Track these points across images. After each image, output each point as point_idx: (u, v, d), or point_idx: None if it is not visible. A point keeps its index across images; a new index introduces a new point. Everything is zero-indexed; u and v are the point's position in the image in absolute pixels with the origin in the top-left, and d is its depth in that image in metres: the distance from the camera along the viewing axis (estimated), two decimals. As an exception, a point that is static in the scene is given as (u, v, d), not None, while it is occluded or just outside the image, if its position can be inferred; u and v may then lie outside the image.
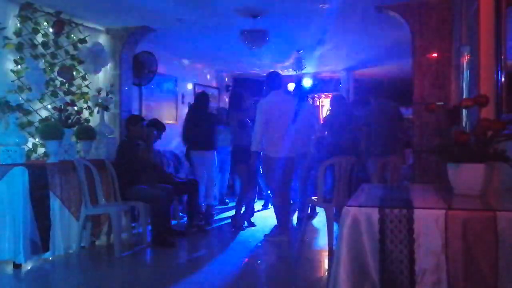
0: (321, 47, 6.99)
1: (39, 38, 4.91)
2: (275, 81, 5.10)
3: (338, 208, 4.41)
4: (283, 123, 4.84)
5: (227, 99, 8.38)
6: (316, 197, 4.64)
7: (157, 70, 7.04)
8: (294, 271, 3.96)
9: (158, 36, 6.18)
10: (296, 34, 6.26)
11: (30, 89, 4.65)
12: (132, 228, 5.15)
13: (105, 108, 5.41)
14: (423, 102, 4.63)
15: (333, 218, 4.34)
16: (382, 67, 9.02)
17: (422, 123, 4.76)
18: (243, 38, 5.51)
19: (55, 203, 4.18)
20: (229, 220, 5.74)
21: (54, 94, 5.02)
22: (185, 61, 8.29)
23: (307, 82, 9.34)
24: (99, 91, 5.39)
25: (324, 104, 10.51)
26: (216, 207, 6.84)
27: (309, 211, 5.81)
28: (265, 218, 6.06)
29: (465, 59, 3.74)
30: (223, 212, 6.70)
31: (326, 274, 3.78)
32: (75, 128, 4.92)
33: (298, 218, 6.03)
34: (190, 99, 8.32)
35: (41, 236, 4.00)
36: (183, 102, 8.19)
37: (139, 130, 5.12)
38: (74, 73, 5.31)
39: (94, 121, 5.46)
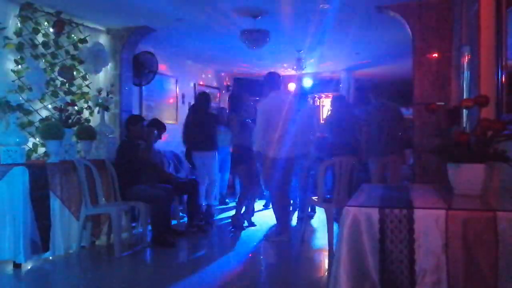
0: (321, 47, 6.99)
1: (40, 38, 4.91)
2: (275, 81, 5.10)
3: (338, 208, 4.41)
4: (283, 124, 4.84)
5: (227, 100, 8.39)
6: (316, 197, 4.64)
7: (158, 70, 7.04)
8: (294, 271, 3.96)
9: (158, 36, 6.18)
10: (296, 34, 6.26)
11: (30, 89, 4.66)
12: (132, 228, 5.15)
13: (105, 108, 5.41)
14: (423, 102, 4.64)
15: (333, 218, 4.34)
16: (382, 67, 9.02)
17: (422, 123, 4.76)
18: (244, 38, 5.51)
19: (55, 203, 4.18)
20: (229, 220, 5.74)
21: (54, 94, 5.03)
22: (186, 61, 8.29)
23: (307, 82, 9.34)
24: (99, 91, 5.40)
25: (325, 104, 10.52)
26: (216, 207, 6.85)
27: (309, 211, 5.81)
28: (265, 218, 6.06)
29: (466, 59, 3.74)
30: (223, 212, 6.70)
31: (326, 274, 3.78)
32: (75, 128, 4.93)
33: (298, 218, 6.03)
34: (190, 99, 8.33)
35: (41, 236, 4.00)
36: (183, 102, 8.19)
37: (139, 130, 5.12)
38: (75, 73, 5.31)
39: (94, 121, 5.47)
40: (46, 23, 4.99)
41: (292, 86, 8.05)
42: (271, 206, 6.25)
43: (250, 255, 4.54)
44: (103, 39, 5.83)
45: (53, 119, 4.85)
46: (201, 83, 8.93)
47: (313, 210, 6.19)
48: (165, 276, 3.72)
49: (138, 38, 6.03)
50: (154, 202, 4.71)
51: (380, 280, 1.69)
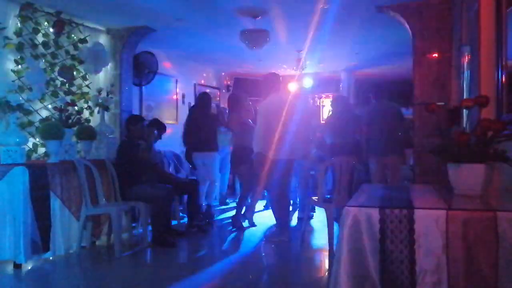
0: (321, 47, 6.99)
1: (40, 38, 4.91)
2: (274, 82, 5.09)
3: (338, 208, 4.41)
4: (283, 125, 4.83)
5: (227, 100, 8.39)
6: (316, 197, 4.64)
7: (158, 70, 7.05)
8: (294, 271, 3.96)
9: (158, 36, 6.18)
10: (296, 34, 6.26)
11: (30, 89, 4.66)
12: (133, 228, 5.15)
13: (105, 108, 5.41)
14: (423, 102, 4.63)
15: (334, 218, 4.34)
16: (382, 67, 9.02)
17: (422, 123, 4.76)
18: (244, 38, 5.51)
19: (55, 203, 4.18)
20: (230, 220, 5.73)
21: (54, 94, 5.03)
22: (186, 61, 8.29)
23: (307, 82, 9.34)
24: (99, 91, 5.40)
25: (325, 104, 10.51)
26: (217, 207, 6.85)
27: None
28: (266, 218, 6.06)
29: (466, 59, 3.74)
30: (223, 212, 6.70)
31: (326, 274, 3.79)
32: (75, 128, 4.93)
33: (298, 218, 6.03)
34: (190, 99, 8.33)
35: (41, 236, 4.00)
36: (183, 102, 8.20)
37: (140, 130, 5.12)
38: (75, 73, 5.31)
39: (94, 121, 5.47)
40: (46, 23, 4.99)
41: (292, 87, 8.04)
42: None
43: (250, 255, 4.54)
44: (103, 39, 5.83)
45: (53, 119, 4.85)
46: (201, 82, 8.93)
47: (313, 210, 6.20)
48: (165, 276, 3.72)
49: (138, 38, 6.03)
50: (154, 202, 4.71)
51: (380, 280, 1.69)
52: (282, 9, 5.21)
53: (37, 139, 4.74)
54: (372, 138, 5.63)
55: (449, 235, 1.63)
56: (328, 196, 4.76)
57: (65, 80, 5.17)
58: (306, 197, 5.57)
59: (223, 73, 9.81)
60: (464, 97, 3.83)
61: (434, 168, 4.51)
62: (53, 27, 5.02)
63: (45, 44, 4.94)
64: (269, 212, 5.70)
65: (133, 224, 5.21)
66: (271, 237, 5.00)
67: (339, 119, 5.86)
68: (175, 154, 6.94)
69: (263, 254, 4.62)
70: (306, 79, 9.34)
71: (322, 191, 4.51)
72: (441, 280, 1.63)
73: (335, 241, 4.12)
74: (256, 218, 5.94)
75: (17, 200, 3.84)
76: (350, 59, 8.35)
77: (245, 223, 5.68)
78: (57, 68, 5.10)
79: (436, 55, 4.73)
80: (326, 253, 4.33)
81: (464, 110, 3.38)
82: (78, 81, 5.41)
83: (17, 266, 3.83)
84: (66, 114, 4.86)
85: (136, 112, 6.51)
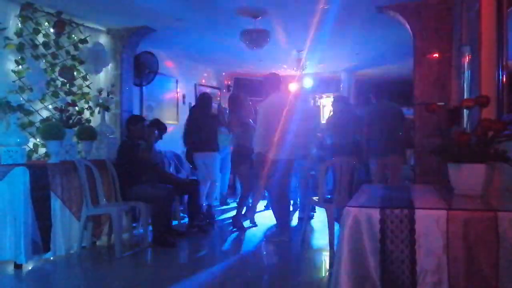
0: (321, 48, 6.99)
1: (40, 38, 4.92)
2: (275, 82, 5.09)
3: (339, 208, 4.41)
4: (283, 125, 4.84)
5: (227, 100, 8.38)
6: (317, 197, 4.64)
7: (158, 70, 7.04)
8: (294, 271, 3.96)
9: (159, 36, 6.18)
10: (297, 34, 6.26)
11: (31, 90, 4.66)
12: (133, 228, 5.15)
13: (106, 108, 5.42)
14: (424, 102, 4.63)
15: (334, 218, 4.34)
16: (383, 67, 9.02)
17: (422, 123, 4.76)
18: (244, 38, 5.51)
19: (56, 203, 4.18)
20: (230, 221, 5.73)
21: (55, 95, 5.03)
22: (186, 61, 8.29)
23: (307, 83, 9.34)
24: (100, 91, 5.40)
25: (325, 105, 10.51)
26: (217, 207, 6.85)
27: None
28: (266, 218, 6.06)
29: (466, 59, 3.74)
30: (224, 213, 6.70)
31: (327, 274, 3.79)
32: (76, 128, 4.93)
33: (298, 218, 6.03)
34: (191, 99, 8.33)
35: (42, 236, 4.00)
36: (184, 103, 8.20)
37: (140, 130, 5.12)
38: (75, 73, 5.31)
39: (95, 121, 5.47)
40: (46, 23, 4.99)
41: (292, 87, 8.05)
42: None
43: (250, 255, 4.54)
44: (103, 40, 5.83)
45: (53, 120, 4.85)
46: (202, 82, 8.93)
47: (313, 210, 6.20)
48: (166, 277, 3.72)
49: (139, 38, 6.04)
50: (155, 202, 4.71)
51: (381, 281, 1.69)
52: (282, 9, 5.22)
53: (38, 140, 4.74)
54: (373, 138, 5.63)
55: (449, 235, 1.63)
56: (329, 196, 4.76)
57: (65, 81, 5.17)
58: (307, 197, 5.57)
59: (223, 73, 9.81)
60: (465, 97, 3.82)
61: (435, 168, 4.51)
62: (53, 28, 5.02)
63: (45, 45, 4.95)
64: (270, 212, 5.71)
65: (134, 224, 5.21)
66: (271, 237, 5.00)
67: (340, 119, 5.87)
68: (175, 154, 6.94)
69: (264, 254, 4.62)
70: (306, 79, 9.34)
71: (322, 191, 4.51)
72: (441, 280, 1.63)
73: (335, 241, 4.12)
74: (257, 218, 5.94)
75: (17, 200, 3.85)
76: (350, 59, 8.34)
77: (246, 223, 5.68)
78: (57, 69, 5.10)
79: (436, 55, 4.73)
80: (327, 253, 4.33)
81: (465, 110, 3.38)
82: (79, 81, 5.41)
83: (18, 267, 3.83)
84: (67, 114, 4.86)
85: (136, 112, 6.52)
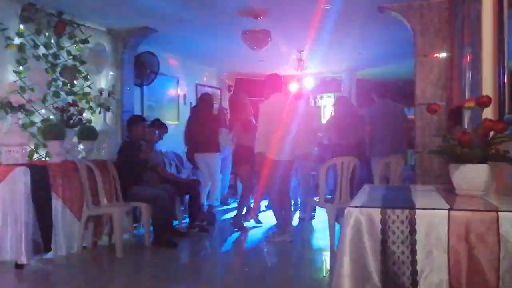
0: (323, 48, 6.99)
1: (41, 39, 4.92)
2: (276, 83, 5.09)
3: (339, 208, 4.40)
4: (284, 126, 4.83)
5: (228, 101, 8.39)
6: (318, 198, 4.64)
7: (159, 70, 7.05)
8: (295, 272, 3.96)
9: (159, 36, 6.18)
10: (298, 34, 6.26)
11: (32, 90, 4.66)
12: (134, 228, 5.15)
13: (107, 108, 5.42)
14: (425, 102, 4.62)
15: (335, 218, 4.33)
16: (384, 67, 9.01)
17: (424, 123, 4.75)
18: (245, 38, 5.51)
19: (57, 204, 4.18)
20: (231, 221, 5.73)
21: (56, 95, 5.03)
22: (187, 61, 8.29)
23: (308, 83, 9.34)
24: (101, 91, 5.40)
25: (326, 105, 10.50)
26: (218, 208, 6.85)
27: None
28: (267, 218, 6.06)
29: (467, 59, 3.73)
30: (225, 213, 6.70)
31: (327, 275, 3.78)
32: (77, 129, 4.93)
33: (299, 218, 6.03)
34: (191, 99, 8.33)
35: (43, 236, 4.00)
36: (184, 103, 8.20)
37: (141, 131, 5.12)
38: (76, 73, 5.31)
39: (96, 122, 5.47)
40: (47, 23, 4.99)
41: (293, 87, 8.04)
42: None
43: (251, 255, 4.53)
44: (104, 40, 5.83)
45: (54, 120, 4.85)
46: (202, 82, 8.93)
47: (314, 210, 6.19)
48: (166, 277, 3.72)
49: (140, 38, 6.04)
50: (156, 202, 4.71)
51: (382, 281, 1.69)
52: (283, 9, 5.21)
53: (39, 140, 4.74)
54: (375, 138, 5.62)
55: (450, 235, 1.62)
56: (330, 196, 4.76)
57: (66, 81, 5.17)
58: (307, 197, 5.57)
59: (224, 74, 9.81)
60: (466, 97, 3.82)
61: (436, 168, 4.50)
62: (54, 28, 5.02)
63: (46, 45, 4.95)
64: (271, 212, 5.71)
65: (135, 225, 5.21)
66: (272, 238, 5.00)
67: (341, 119, 5.86)
68: (176, 155, 6.95)
69: (264, 254, 4.62)
70: (308, 79, 9.34)
71: (323, 191, 4.50)
72: (442, 281, 1.62)
73: (336, 242, 4.11)
74: (258, 218, 5.94)
75: (18, 201, 3.85)
76: (351, 59, 8.34)
77: (247, 223, 5.68)
78: (58, 69, 5.10)
79: (437, 55, 4.72)
80: (327, 254, 4.33)
81: (466, 111, 3.38)
82: (80, 81, 5.41)
83: (19, 267, 3.83)
84: (68, 114, 4.86)
85: (137, 112, 6.52)
